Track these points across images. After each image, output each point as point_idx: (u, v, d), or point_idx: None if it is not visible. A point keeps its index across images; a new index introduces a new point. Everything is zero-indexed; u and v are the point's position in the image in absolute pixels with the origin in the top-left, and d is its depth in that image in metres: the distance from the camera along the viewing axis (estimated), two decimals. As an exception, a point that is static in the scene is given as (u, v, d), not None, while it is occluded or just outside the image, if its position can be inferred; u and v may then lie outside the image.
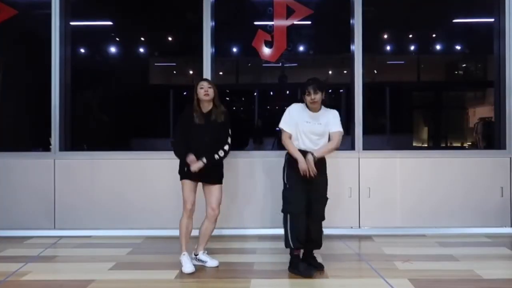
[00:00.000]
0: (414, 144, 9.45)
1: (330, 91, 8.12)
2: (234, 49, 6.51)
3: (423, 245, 4.24)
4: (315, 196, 3.38)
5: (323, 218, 3.46)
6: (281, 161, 4.70)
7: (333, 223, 4.45)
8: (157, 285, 3.19)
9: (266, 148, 7.69)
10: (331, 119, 3.44)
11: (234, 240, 4.47)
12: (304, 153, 3.36)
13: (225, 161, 4.67)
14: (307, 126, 3.40)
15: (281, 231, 4.60)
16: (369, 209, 4.68)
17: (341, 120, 3.53)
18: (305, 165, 3.28)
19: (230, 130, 3.55)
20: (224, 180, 4.71)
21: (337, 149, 3.46)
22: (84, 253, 4.02)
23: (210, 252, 4.00)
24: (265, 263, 3.66)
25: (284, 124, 3.47)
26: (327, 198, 3.46)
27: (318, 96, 3.37)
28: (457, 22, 6.66)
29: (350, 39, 4.86)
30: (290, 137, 3.45)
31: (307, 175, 3.28)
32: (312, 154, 3.32)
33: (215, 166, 3.50)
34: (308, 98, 3.39)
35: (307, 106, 3.45)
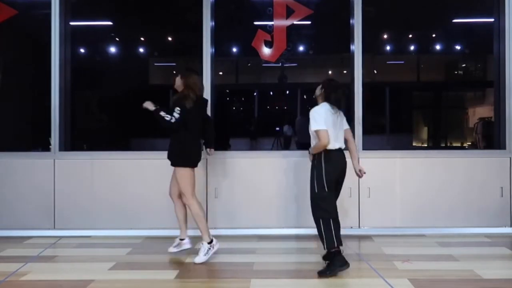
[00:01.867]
0: (414, 144, 9.47)
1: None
2: (234, 49, 6.52)
3: (422, 245, 4.24)
4: None
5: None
6: (282, 161, 4.73)
7: (333, 223, 4.45)
8: (157, 285, 3.19)
9: (265, 148, 7.71)
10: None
11: (234, 240, 4.47)
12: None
13: (224, 160, 4.69)
14: None
15: (280, 231, 4.64)
16: (369, 209, 4.68)
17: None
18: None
19: (175, 111, 3.56)
20: (223, 180, 4.73)
21: (323, 146, 3.34)
22: (84, 253, 4.02)
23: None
24: (265, 263, 3.66)
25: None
26: (313, 191, 3.42)
27: (316, 91, 3.57)
28: (457, 22, 6.67)
29: (350, 39, 4.86)
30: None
31: None
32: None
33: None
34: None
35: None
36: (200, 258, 3.63)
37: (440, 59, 8.91)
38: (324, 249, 3.38)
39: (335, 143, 3.40)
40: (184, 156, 3.67)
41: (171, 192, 3.93)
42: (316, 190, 3.37)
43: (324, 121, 3.35)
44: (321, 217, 3.34)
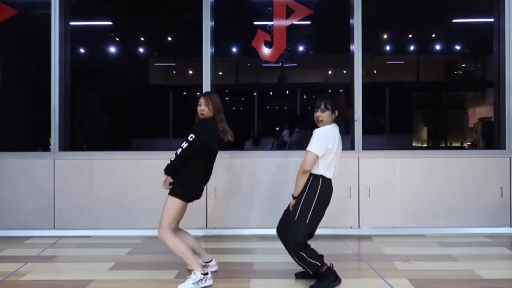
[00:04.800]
0: (414, 144, 9.46)
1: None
2: (234, 49, 6.51)
3: (422, 245, 4.24)
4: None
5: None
6: (281, 161, 4.73)
7: (333, 223, 4.45)
8: (157, 285, 3.19)
9: (265, 148, 7.70)
10: (312, 137, 3.08)
11: (234, 240, 4.47)
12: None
13: (224, 160, 4.69)
14: None
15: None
16: (369, 209, 4.68)
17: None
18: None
19: (189, 135, 3.09)
20: (224, 180, 4.72)
21: (306, 171, 3.03)
22: (84, 253, 4.02)
23: (209, 251, 4.00)
24: (264, 263, 3.66)
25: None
26: (293, 222, 3.01)
27: (324, 116, 3.09)
28: (457, 22, 6.66)
29: (349, 39, 4.86)
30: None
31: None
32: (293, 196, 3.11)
33: (175, 176, 3.19)
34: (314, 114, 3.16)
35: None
36: (186, 285, 3.04)
37: (440, 59, 8.90)
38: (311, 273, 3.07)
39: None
40: (188, 189, 3.22)
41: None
42: (296, 217, 3.01)
43: None
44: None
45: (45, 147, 4.93)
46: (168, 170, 3.17)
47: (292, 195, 3.10)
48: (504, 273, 3.39)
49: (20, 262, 3.69)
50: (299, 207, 3.02)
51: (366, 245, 4.29)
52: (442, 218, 4.67)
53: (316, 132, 3.08)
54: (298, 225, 3.00)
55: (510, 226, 4.67)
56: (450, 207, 4.68)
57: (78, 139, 5.83)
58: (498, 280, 3.20)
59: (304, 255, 3.00)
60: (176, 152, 3.11)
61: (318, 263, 3.02)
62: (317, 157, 3.02)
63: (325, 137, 3.04)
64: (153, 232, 4.60)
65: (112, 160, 4.75)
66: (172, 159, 3.14)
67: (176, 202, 3.15)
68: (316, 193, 3.04)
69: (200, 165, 3.20)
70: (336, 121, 3.18)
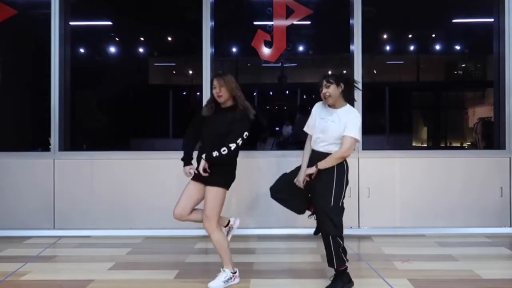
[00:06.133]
0: (414, 144, 9.46)
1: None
2: (234, 49, 6.51)
3: (422, 245, 4.24)
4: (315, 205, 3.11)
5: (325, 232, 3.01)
6: (282, 161, 4.72)
7: (333, 223, 4.44)
8: (157, 285, 3.19)
9: (266, 148, 7.70)
10: (349, 120, 2.97)
11: (234, 240, 4.46)
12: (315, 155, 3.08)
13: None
14: (321, 123, 3.06)
15: (280, 231, 4.64)
16: (369, 209, 4.68)
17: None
18: (301, 177, 3.09)
19: (244, 132, 3.07)
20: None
21: (346, 156, 2.99)
22: (84, 253, 4.02)
23: (209, 251, 4.01)
24: (264, 263, 3.67)
25: (305, 126, 3.23)
26: (329, 209, 2.97)
27: (330, 90, 3.00)
28: (457, 22, 6.66)
29: (349, 39, 4.86)
30: (310, 139, 3.18)
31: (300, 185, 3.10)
32: (316, 166, 2.99)
33: (215, 165, 3.07)
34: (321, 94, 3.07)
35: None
36: (217, 283, 3.09)
37: (440, 59, 8.91)
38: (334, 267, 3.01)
39: None
40: (231, 176, 3.23)
41: (181, 209, 3.18)
42: (332, 203, 2.97)
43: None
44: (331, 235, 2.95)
45: (45, 147, 4.93)
46: (216, 161, 3.03)
47: (316, 165, 3.00)
48: (504, 273, 3.39)
49: (20, 262, 3.69)
50: (333, 192, 2.97)
51: (366, 245, 4.29)
52: (442, 218, 4.67)
53: (354, 116, 2.98)
54: (335, 209, 2.98)
55: (510, 226, 4.67)
56: (450, 207, 4.68)
57: (78, 139, 5.83)
58: (498, 280, 3.20)
59: (341, 242, 2.98)
60: (230, 147, 3.01)
61: (345, 260, 2.99)
62: (357, 142, 3.02)
63: (360, 121, 3.02)
64: (153, 232, 4.63)
65: (112, 160, 4.75)
66: (222, 152, 2.99)
67: (220, 192, 3.10)
68: (345, 176, 3.03)
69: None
70: (344, 96, 3.06)
